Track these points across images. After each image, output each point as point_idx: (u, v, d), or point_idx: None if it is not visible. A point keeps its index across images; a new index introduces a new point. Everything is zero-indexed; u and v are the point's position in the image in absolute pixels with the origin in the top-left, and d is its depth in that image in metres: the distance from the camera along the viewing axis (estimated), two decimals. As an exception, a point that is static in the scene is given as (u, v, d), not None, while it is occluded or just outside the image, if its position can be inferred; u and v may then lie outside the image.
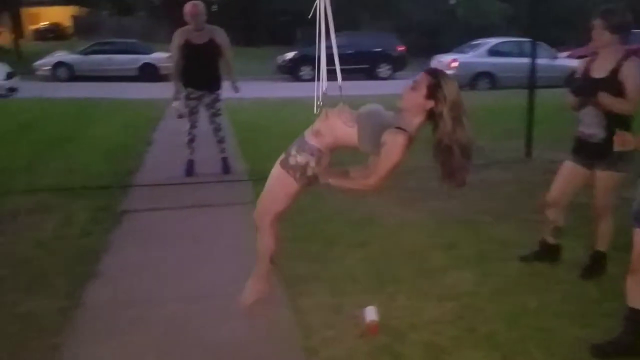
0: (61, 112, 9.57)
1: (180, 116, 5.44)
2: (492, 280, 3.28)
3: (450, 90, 2.21)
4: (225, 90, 5.50)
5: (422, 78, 2.25)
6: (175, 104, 5.36)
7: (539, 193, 3.71)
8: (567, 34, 20.08)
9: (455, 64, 14.72)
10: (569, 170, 3.29)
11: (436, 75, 2.24)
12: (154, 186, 5.26)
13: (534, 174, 5.47)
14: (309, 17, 2.56)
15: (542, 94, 6.58)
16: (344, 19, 25.73)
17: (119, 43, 18.65)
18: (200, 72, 5.26)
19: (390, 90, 14.04)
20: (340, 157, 2.63)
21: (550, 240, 3.48)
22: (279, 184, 2.51)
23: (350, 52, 18.25)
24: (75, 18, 34.94)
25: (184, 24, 5.34)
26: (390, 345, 2.64)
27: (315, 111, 2.58)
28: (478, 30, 21.00)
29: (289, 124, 8.57)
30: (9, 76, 13.19)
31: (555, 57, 14.91)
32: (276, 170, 2.53)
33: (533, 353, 2.58)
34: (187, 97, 5.33)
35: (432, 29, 23.51)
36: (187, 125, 5.45)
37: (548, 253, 3.49)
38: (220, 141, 5.62)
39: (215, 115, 5.45)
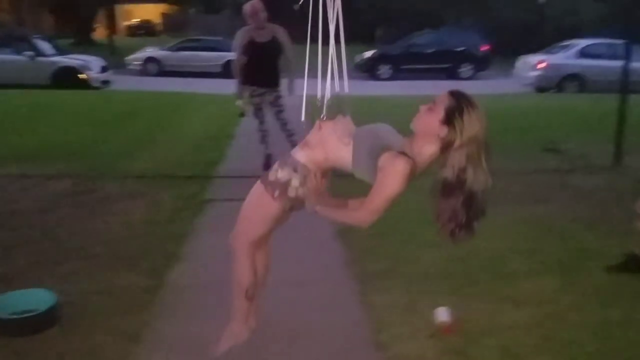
0: (151, 105, 10.10)
1: (243, 114, 5.61)
2: (574, 289, 3.16)
3: (472, 121, 1.78)
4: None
5: (442, 98, 1.84)
6: (239, 102, 5.51)
7: (628, 202, 3.53)
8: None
9: (542, 65, 14.15)
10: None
11: (459, 99, 1.81)
12: (236, 178, 5.45)
13: (623, 182, 5.20)
14: (297, 5, 2.15)
15: (637, 100, 6.21)
16: (427, 17, 25.45)
17: (205, 40, 19.34)
18: (263, 70, 5.36)
19: (471, 90, 13.79)
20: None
21: (638, 251, 3.31)
22: (256, 202, 2.12)
23: (431, 50, 18.04)
24: (164, 15, 36.69)
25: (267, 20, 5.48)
26: (462, 347, 2.61)
27: (302, 118, 2.10)
28: (568, 30, 20.04)
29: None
30: (103, 69, 14.05)
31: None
32: (255, 187, 2.14)
33: (616, 367, 2.48)
34: (251, 95, 5.46)
35: (520, 28, 22.66)
36: (256, 123, 5.59)
37: (635, 265, 3.32)
38: (290, 135, 5.68)
39: (279, 112, 5.52)
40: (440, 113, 1.80)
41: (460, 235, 1.87)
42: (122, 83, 13.96)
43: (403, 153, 1.83)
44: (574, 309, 2.95)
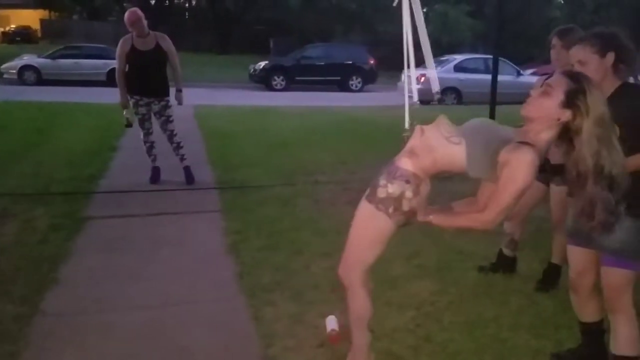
0: (27, 116, 9.38)
1: (128, 125, 5.42)
2: (450, 290, 3.35)
3: (596, 101, 1.71)
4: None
5: (559, 80, 1.77)
6: (125, 112, 5.32)
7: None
8: (537, 51, 20.66)
9: (423, 79, 14.98)
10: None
11: (578, 79, 1.76)
12: (119, 193, 5.21)
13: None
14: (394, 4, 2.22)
15: (504, 110, 6.75)
16: (317, 30, 26.08)
17: (88, 48, 18.43)
18: (147, 79, 5.22)
19: (360, 102, 14.29)
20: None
21: (507, 252, 3.58)
22: (369, 225, 2.02)
23: (322, 63, 18.49)
24: (43, 22, 34.38)
25: (156, 29, 5.34)
26: (349, 354, 2.67)
27: (406, 125, 2.20)
28: (448, 46, 21.43)
29: (259, 132, 8.61)
30: (-28, 78, 12.89)
31: (519, 74, 15.34)
32: (361, 209, 2.02)
33: (488, 363, 2.64)
34: (136, 105, 5.30)
35: (401, 43, 23.84)
36: (142, 134, 5.42)
37: (504, 264, 3.59)
38: (177, 148, 5.52)
39: (166, 122, 5.38)
40: (558, 96, 1.75)
41: (613, 224, 1.79)
42: (-5, 93, 12.86)
43: (524, 143, 1.76)
44: (451, 309, 3.13)
